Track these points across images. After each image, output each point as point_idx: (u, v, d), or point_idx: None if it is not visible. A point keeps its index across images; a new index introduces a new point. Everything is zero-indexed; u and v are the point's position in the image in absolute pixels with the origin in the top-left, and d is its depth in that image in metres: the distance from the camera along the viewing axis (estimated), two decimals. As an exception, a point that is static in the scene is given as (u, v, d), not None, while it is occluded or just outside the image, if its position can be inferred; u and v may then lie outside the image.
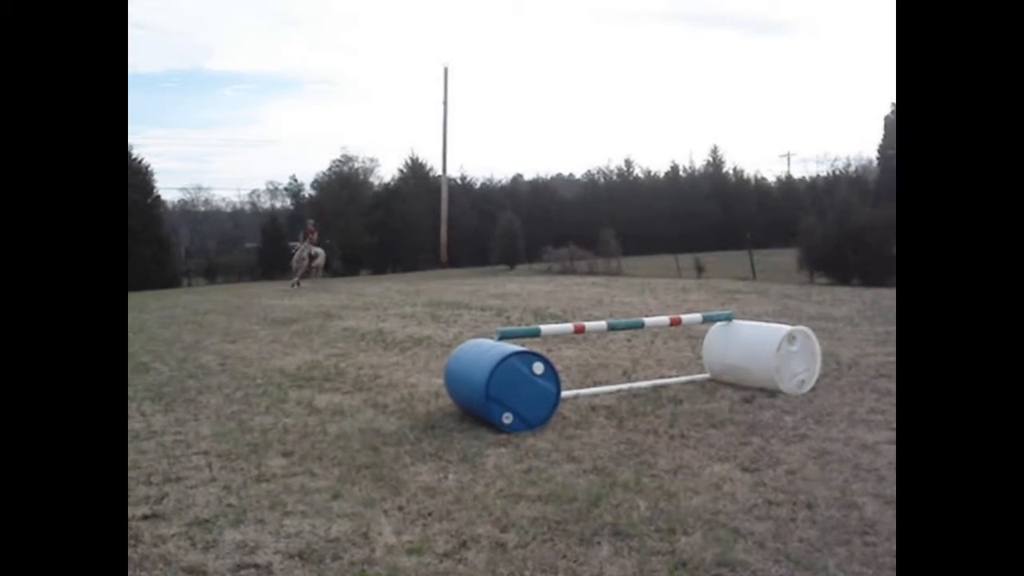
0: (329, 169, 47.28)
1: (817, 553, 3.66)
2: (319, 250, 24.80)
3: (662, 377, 7.80)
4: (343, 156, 47.57)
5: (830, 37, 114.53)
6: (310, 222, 26.07)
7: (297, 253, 24.83)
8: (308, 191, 47.64)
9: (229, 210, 58.98)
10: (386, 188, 48.57)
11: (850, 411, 6.33)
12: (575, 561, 3.60)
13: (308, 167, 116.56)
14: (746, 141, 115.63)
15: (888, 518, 4.07)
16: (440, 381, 7.10)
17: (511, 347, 6.05)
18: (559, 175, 63.53)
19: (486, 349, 6.22)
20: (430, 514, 4.21)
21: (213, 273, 43.47)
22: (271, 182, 55.38)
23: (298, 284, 23.83)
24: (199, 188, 54.03)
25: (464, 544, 3.81)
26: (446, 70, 43.12)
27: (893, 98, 65.04)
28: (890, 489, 4.49)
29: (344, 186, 45.68)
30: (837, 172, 60.17)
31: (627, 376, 7.94)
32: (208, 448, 5.63)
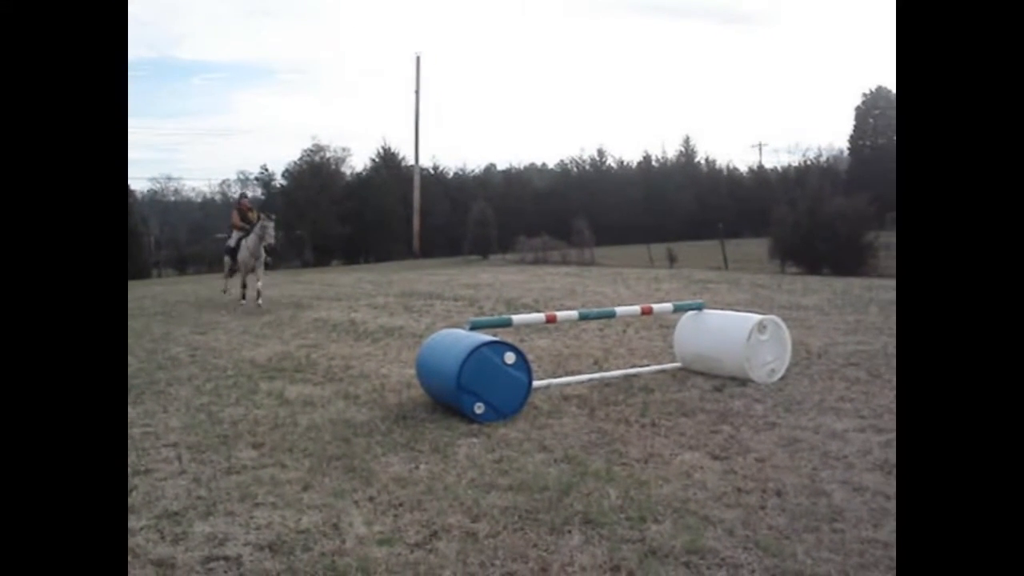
0: (300, 159, 47.00)
1: (786, 540, 3.69)
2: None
3: (634, 366, 7.83)
4: (314, 146, 47.27)
5: (801, 27, 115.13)
6: (245, 198, 17.91)
7: (244, 248, 15.17)
8: (279, 181, 47.33)
9: (199, 200, 58.47)
10: (358, 178, 48.36)
11: (819, 399, 6.39)
12: (545, 550, 3.61)
13: (279, 157, 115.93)
14: (718, 131, 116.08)
15: (856, 505, 4.12)
16: (412, 371, 7.09)
17: (483, 337, 6.04)
18: (532, 165, 63.65)
19: (458, 339, 6.21)
20: (401, 504, 4.20)
21: (183, 264, 43.11)
22: (242, 172, 54.91)
23: (247, 299, 15.07)
24: (169, 178, 53.71)
25: (435, 534, 3.81)
26: (418, 59, 42.99)
27: (865, 88, 65.63)
28: (858, 476, 4.55)
29: (316, 176, 45.39)
30: (808, 162, 60.75)
31: (599, 365, 7.97)
32: (177, 440, 5.59)
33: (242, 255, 15.27)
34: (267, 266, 16.04)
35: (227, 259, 16.67)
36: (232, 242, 16.24)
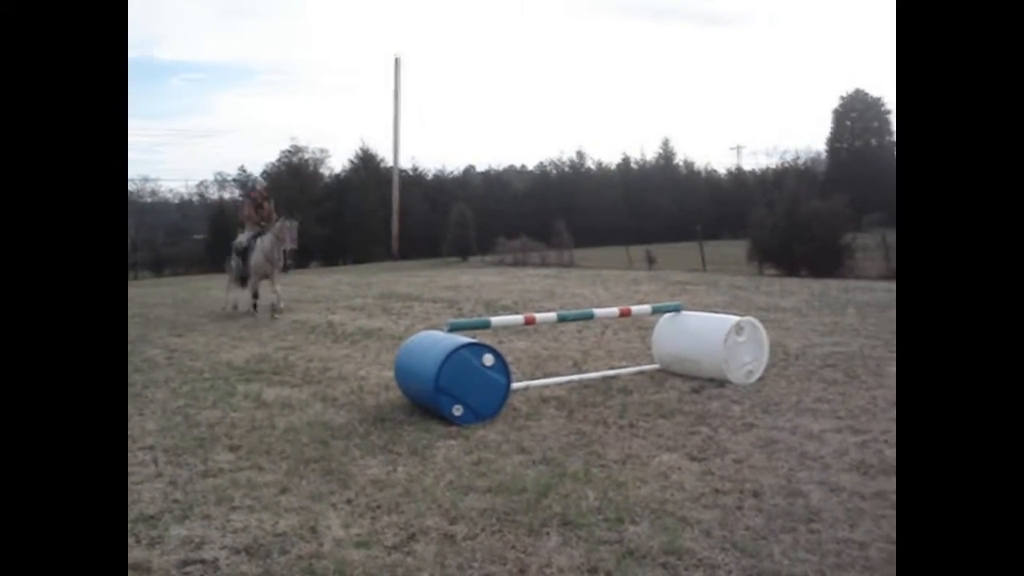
0: (279, 160, 46.86)
1: (763, 541, 3.71)
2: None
3: (612, 368, 7.84)
4: (293, 147, 47.14)
5: (779, 30, 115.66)
6: (260, 187, 15.71)
7: (259, 249, 13.07)
8: (258, 182, 47.09)
9: (177, 201, 58.02)
10: (337, 179, 48.25)
11: (797, 400, 6.42)
12: (523, 552, 3.61)
13: (258, 158, 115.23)
14: (697, 134, 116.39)
15: (832, 506, 4.14)
16: (390, 374, 7.08)
17: (461, 339, 6.04)
18: (511, 167, 63.51)
19: (436, 341, 6.20)
20: (379, 507, 4.19)
21: (160, 265, 42.83)
22: (220, 173, 54.65)
23: (257, 308, 13.26)
24: (146, 179, 52.79)
25: (413, 536, 3.80)
26: (397, 61, 43.00)
27: (842, 91, 66.07)
28: (835, 477, 4.58)
29: (294, 177, 45.23)
30: (786, 164, 61.00)
31: (578, 367, 7.98)
32: (154, 443, 5.55)
33: (256, 259, 12.97)
34: (286, 268, 13.64)
35: (235, 262, 13.79)
36: (243, 240, 13.57)
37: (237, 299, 13.90)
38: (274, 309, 12.90)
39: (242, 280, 13.71)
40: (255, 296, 13.28)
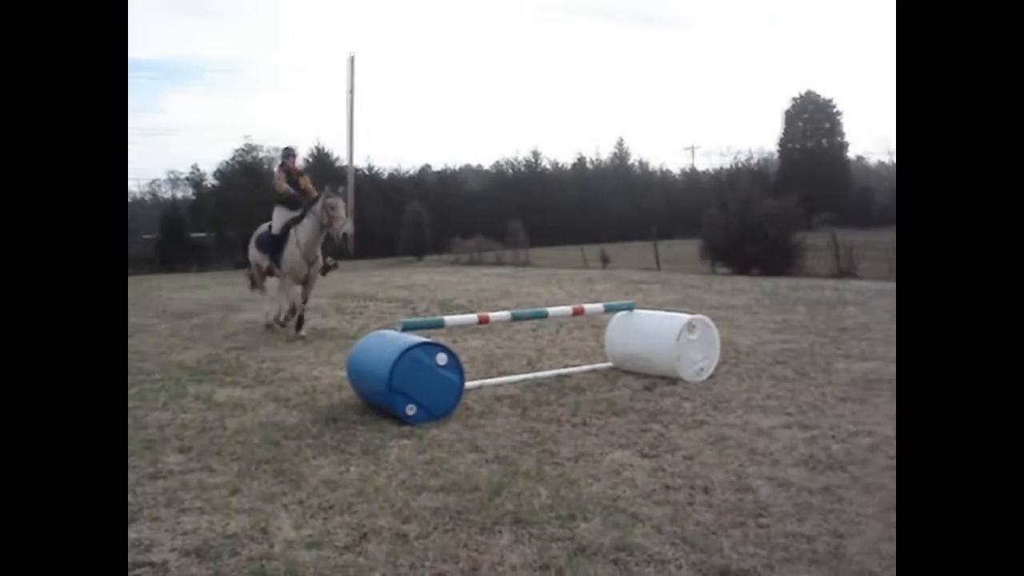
0: (232, 159, 46.32)
1: (712, 536, 3.75)
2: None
3: (566, 366, 7.88)
4: (246, 145, 46.68)
5: (732, 32, 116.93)
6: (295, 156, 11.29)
7: (294, 241, 10.03)
8: (210, 181, 46.53)
9: (128, 200, 57.13)
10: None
11: (747, 397, 6.50)
12: (476, 550, 3.61)
13: (211, 157, 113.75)
14: (651, 134, 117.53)
15: (781, 500, 4.20)
16: (343, 373, 7.04)
17: (414, 338, 6.03)
18: (467, 166, 63.58)
19: (389, 341, 6.19)
20: (330, 507, 4.17)
21: (109, 265, 42.06)
22: (172, 171, 53.86)
23: (288, 324, 10.44)
24: (95, 177, 51.84)
25: (364, 536, 3.79)
26: (352, 59, 42.55)
27: (794, 92, 66.88)
28: (783, 472, 4.64)
29: (248, 176, 44.76)
30: (739, 165, 61.76)
31: (532, 366, 8.01)
32: (101, 445, 5.45)
33: (290, 255, 9.86)
34: (327, 269, 10.56)
35: (256, 258, 10.90)
36: (275, 228, 10.37)
37: (280, 315, 10.61)
38: (300, 324, 10.09)
39: (263, 275, 11.12)
40: (291, 313, 10.17)
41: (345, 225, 9.52)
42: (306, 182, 10.77)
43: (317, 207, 9.80)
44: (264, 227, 10.86)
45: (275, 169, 11.06)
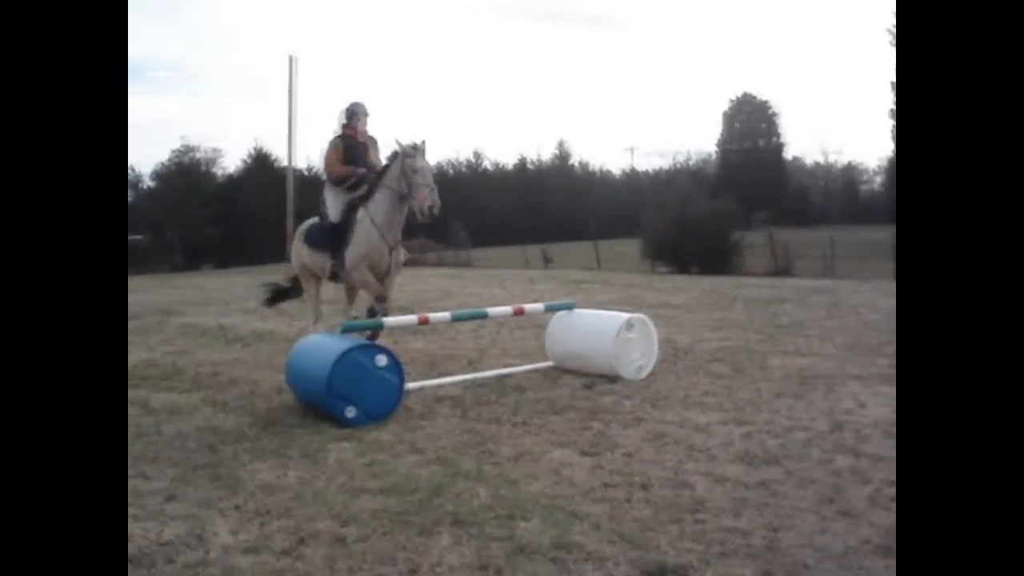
0: (169, 159, 45.41)
1: (650, 532, 3.79)
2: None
3: (507, 366, 7.90)
4: (184, 146, 45.69)
5: (670, 34, 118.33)
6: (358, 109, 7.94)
7: (363, 226, 7.37)
8: (147, 182, 45.63)
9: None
10: (230, 179, 47.08)
11: (685, 394, 6.59)
12: (415, 552, 3.61)
13: (147, 157, 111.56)
14: (592, 135, 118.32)
15: (718, 496, 4.27)
16: (283, 376, 6.96)
17: (354, 340, 5.99)
18: (409, 167, 63.21)
19: (328, 343, 6.14)
20: (268, 512, 4.12)
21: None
22: (107, 173, 52.51)
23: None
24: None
25: (303, 540, 3.76)
26: (292, 59, 42.14)
27: (732, 94, 67.81)
28: (720, 468, 4.72)
29: (185, 177, 43.99)
30: (679, 165, 62.50)
31: (472, 366, 8.01)
32: (31, 453, 5.33)
33: (363, 239, 7.32)
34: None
35: (311, 260, 8.13)
36: (332, 214, 7.71)
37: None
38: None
39: (305, 281, 8.73)
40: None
41: (432, 194, 7.02)
42: (376, 156, 7.97)
43: (392, 173, 7.30)
44: (311, 221, 8.47)
45: (328, 140, 7.91)
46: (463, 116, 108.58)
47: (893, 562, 3.44)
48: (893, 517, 3.93)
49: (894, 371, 7.36)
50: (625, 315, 7.40)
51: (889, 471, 4.61)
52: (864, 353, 8.45)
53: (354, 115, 7.92)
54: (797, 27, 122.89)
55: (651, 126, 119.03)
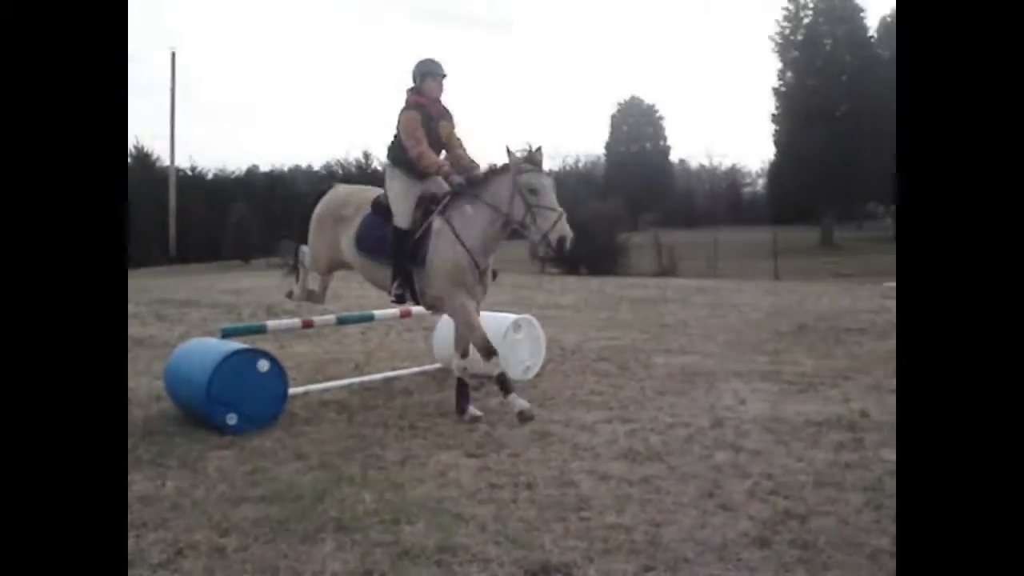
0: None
1: (535, 532, 3.82)
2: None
3: (395, 369, 7.85)
4: (57, 144, 43.96)
5: (558, 36, 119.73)
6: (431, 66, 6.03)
7: (448, 240, 5.77)
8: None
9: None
10: (107, 179, 45.48)
11: (571, 394, 6.67)
12: (297, 560, 3.55)
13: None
14: (481, 136, 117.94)
15: (602, 493, 4.33)
16: (161, 384, 6.74)
17: (234, 345, 5.85)
18: (297, 167, 62.06)
19: (208, 348, 5.98)
20: (144, 524, 3.98)
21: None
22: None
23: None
24: None
25: (180, 552, 3.64)
26: (173, 55, 41.06)
27: (619, 97, 69.04)
28: (604, 466, 4.78)
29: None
30: (568, 167, 63.19)
31: (359, 370, 7.92)
32: None
33: (446, 257, 5.81)
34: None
35: (362, 266, 6.34)
36: (399, 216, 5.94)
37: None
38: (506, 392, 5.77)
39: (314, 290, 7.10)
40: (488, 353, 5.84)
41: (562, 223, 5.69)
42: (450, 131, 6.18)
43: (495, 189, 5.78)
44: (364, 214, 6.31)
45: (401, 110, 6.04)
46: (352, 116, 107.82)
47: (770, 553, 3.56)
48: (770, 509, 4.07)
49: (774, 368, 7.63)
50: (512, 316, 7.45)
51: (767, 465, 4.77)
52: (745, 351, 8.72)
53: (427, 76, 6.09)
54: (682, 33, 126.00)
55: (540, 128, 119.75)
